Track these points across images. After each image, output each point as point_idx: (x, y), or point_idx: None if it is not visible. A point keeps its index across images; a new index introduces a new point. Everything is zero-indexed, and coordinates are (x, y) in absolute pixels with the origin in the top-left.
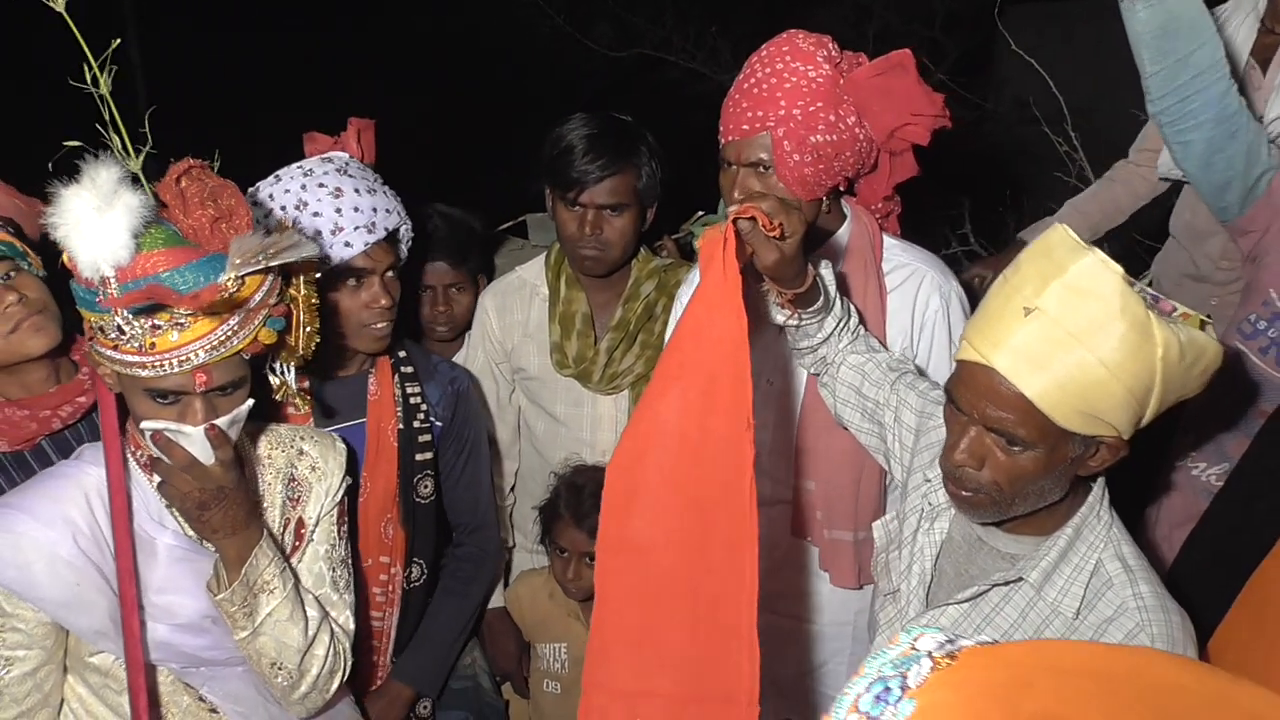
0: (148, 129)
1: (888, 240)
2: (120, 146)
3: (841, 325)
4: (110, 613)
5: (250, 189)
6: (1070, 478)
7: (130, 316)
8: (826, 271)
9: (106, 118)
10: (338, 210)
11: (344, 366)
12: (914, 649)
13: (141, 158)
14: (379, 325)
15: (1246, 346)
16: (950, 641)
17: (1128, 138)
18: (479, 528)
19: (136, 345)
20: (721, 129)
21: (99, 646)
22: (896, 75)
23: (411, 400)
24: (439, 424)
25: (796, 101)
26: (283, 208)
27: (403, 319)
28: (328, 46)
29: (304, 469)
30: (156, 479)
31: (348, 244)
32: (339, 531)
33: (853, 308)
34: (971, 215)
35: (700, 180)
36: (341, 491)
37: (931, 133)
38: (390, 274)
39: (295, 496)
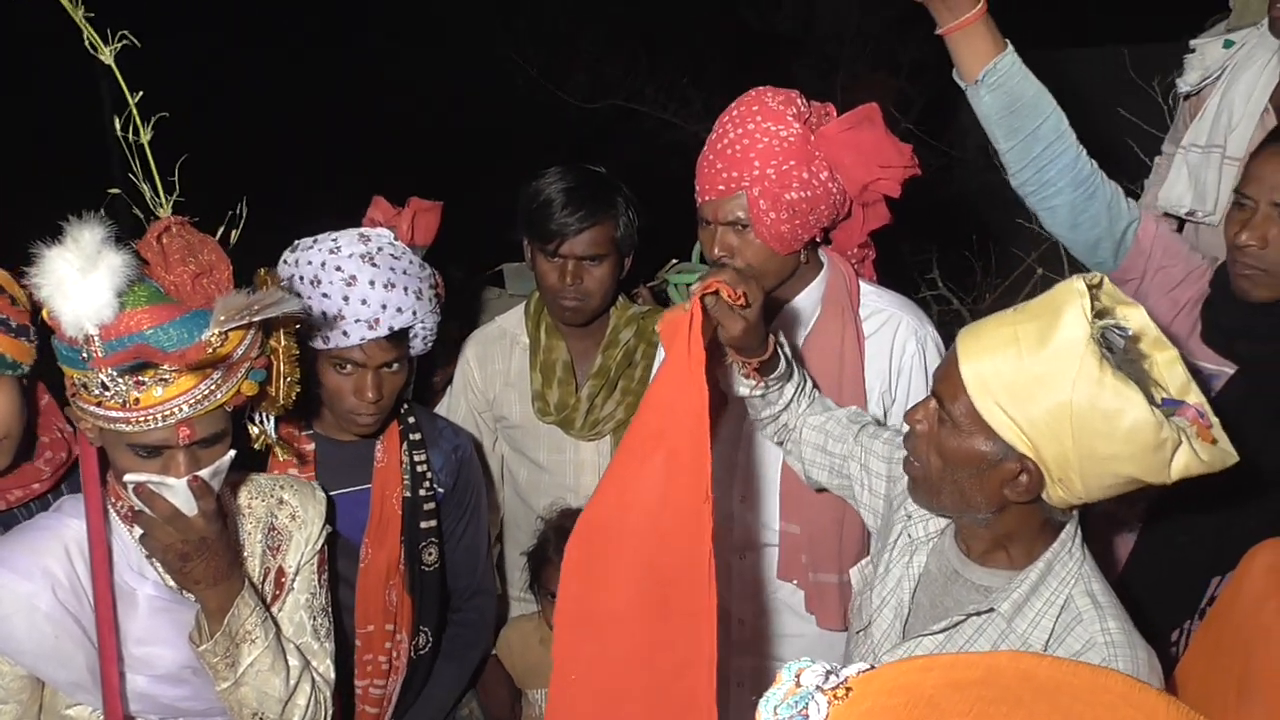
0: (176, 177)
1: (864, 287)
2: (151, 195)
3: (799, 390)
4: (89, 665)
5: (293, 244)
6: (996, 495)
7: (114, 374)
8: (784, 339)
9: (138, 168)
10: (345, 299)
11: (347, 431)
12: (799, 685)
13: (170, 203)
14: (362, 416)
15: None
16: (832, 673)
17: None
18: (477, 592)
19: (120, 401)
20: (698, 188)
21: (76, 699)
22: (865, 129)
23: (419, 468)
24: (441, 491)
25: (770, 161)
26: (301, 277)
27: (418, 381)
28: (305, 99)
29: (284, 518)
30: (138, 531)
31: (345, 333)
32: (320, 580)
33: (807, 374)
34: (939, 261)
35: (675, 228)
36: (321, 540)
37: (901, 183)
38: (387, 369)
39: (275, 545)
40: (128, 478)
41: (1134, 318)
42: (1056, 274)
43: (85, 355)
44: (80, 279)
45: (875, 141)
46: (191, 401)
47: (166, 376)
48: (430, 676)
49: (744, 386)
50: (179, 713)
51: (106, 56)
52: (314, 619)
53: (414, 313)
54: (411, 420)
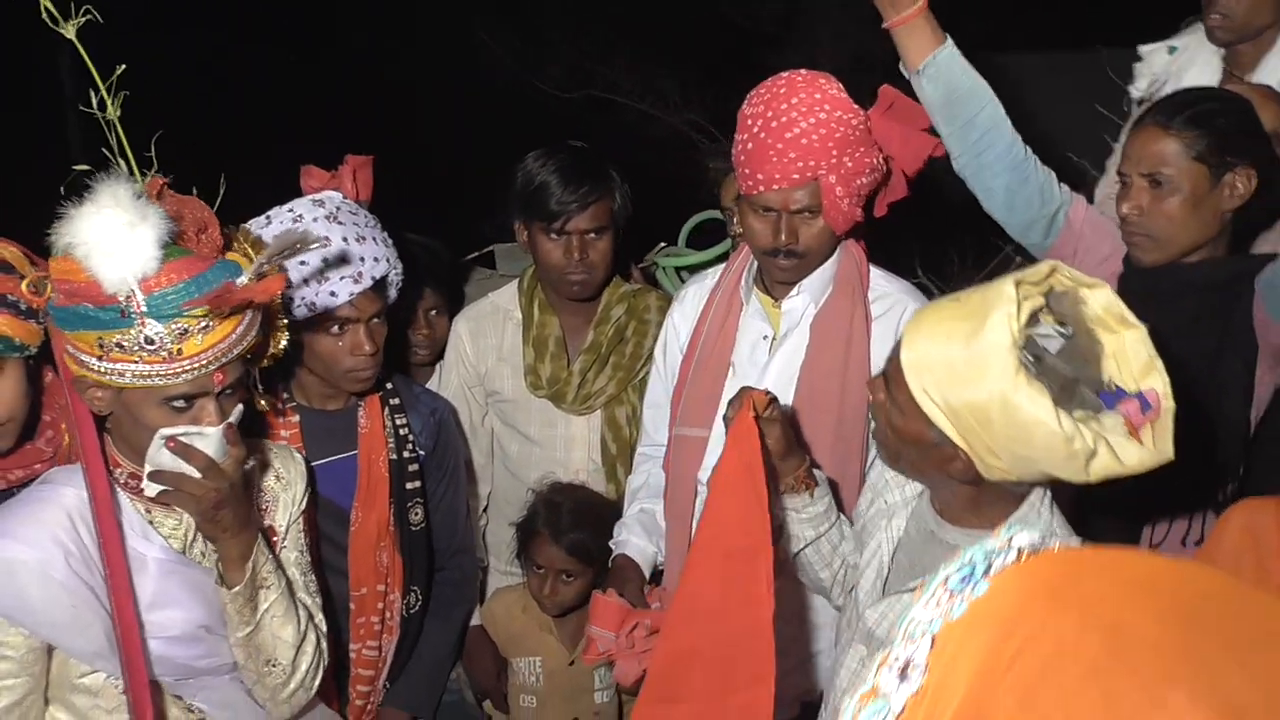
0: (153, 154)
1: (874, 271)
2: (128, 170)
3: (835, 524)
4: (106, 632)
5: (244, 226)
6: (942, 473)
7: (159, 325)
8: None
9: (114, 142)
10: (324, 260)
11: (333, 399)
12: (1009, 544)
13: (148, 177)
14: (363, 371)
15: None
16: (1043, 542)
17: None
18: (458, 551)
19: (165, 354)
20: (759, 178)
21: (95, 667)
22: (900, 108)
23: (401, 431)
24: (423, 453)
25: (845, 149)
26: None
27: (386, 349)
28: (280, 84)
29: (270, 479)
30: (152, 491)
31: (333, 293)
32: (306, 541)
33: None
34: (918, 251)
35: (654, 215)
36: (305, 499)
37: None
38: (375, 320)
39: (263, 506)
40: (164, 432)
41: (1096, 297)
42: (1032, 262)
43: (127, 311)
44: (128, 233)
45: (912, 112)
46: (226, 348)
47: (207, 324)
48: (418, 640)
49: (790, 506)
50: (194, 672)
51: (68, 31)
52: (305, 575)
53: (388, 260)
54: (390, 386)
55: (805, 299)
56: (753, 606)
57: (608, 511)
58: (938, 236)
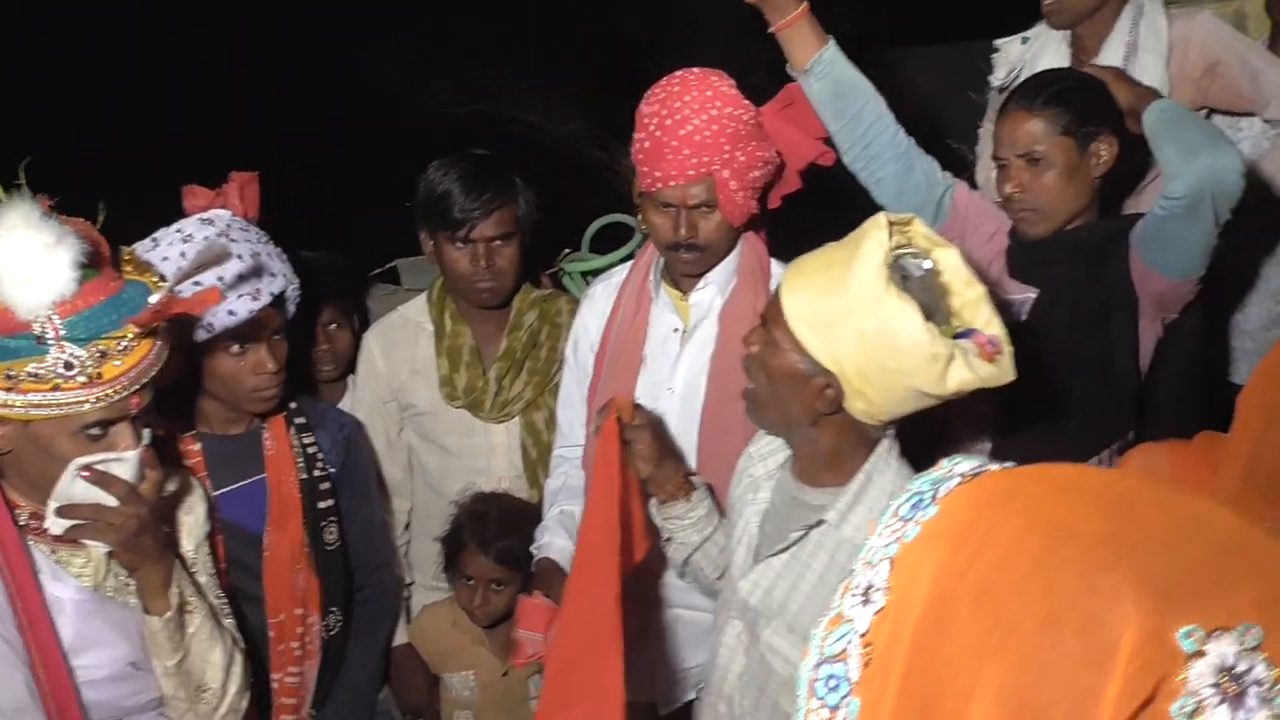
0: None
1: (774, 262)
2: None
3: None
4: (27, 684)
5: (126, 250)
6: (810, 409)
7: (79, 349)
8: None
9: None
10: (220, 279)
11: (235, 424)
12: (951, 472)
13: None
14: (266, 390)
15: None
16: (982, 466)
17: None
18: (378, 567)
19: (85, 378)
20: (656, 175)
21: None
22: (796, 106)
23: (309, 450)
24: (333, 470)
25: (738, 144)
26: (161, 276)
27: (290, 369)
28: (162, 101)
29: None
30: (58, 529)
31: (231, 312)
32: (212, 564)
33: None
34: (815, 229)
35: (555, 224)
36: (208, 523)
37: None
38: (276, 337)
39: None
40: (80, 461)
41: (946, 258)
42: None
43: (45, 337)
44: (45, 255)
45: (805, 116)
46: (145, 368)
47: (127, 346)
48: (341, 661)
49: (660, 517)
50: (123, 712)
51: None
52: (219, 598)
53: (284, 275)
54: (294, 405)
55: (712, 291)
56: (602, 615)
57: (533, 517)
58: (839, 231)
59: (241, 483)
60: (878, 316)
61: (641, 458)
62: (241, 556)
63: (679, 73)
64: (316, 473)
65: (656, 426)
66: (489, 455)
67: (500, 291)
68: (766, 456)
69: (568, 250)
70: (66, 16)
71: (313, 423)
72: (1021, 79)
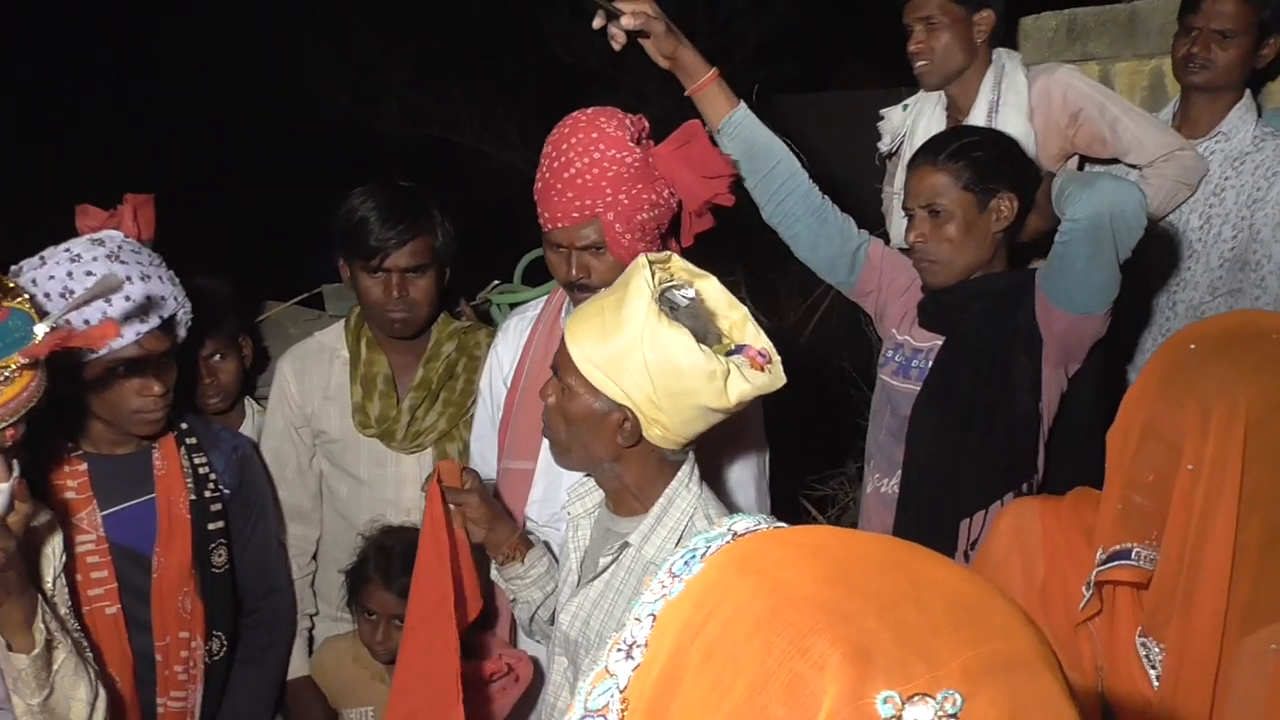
0: None
1: None
2: None
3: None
4: None
5: (14, 267)
6: (612, 444)
7: None
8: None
9: None
10: (108, 300)
11: (122, 444)
12: (729, 530)
13: None
14: (151, 413)
15: (884, 374)
16: (758, 526)
17: (873, 211)
18: (270, 592)
19: None
20: (546, 215)
21: None
22: (694, 145)
23: (200, 470)
24: (227, 491)
25: (620, 188)
26: (46, 294)
27: (177, 389)
28: (97, 118)
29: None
30: None
31: (119, 334)
32: (69, 596)
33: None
34: (746, 284)
35: (492, 251)
36: (65, 554)
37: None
38: (163, 359)
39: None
40: None
41: (707, 287)
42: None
43: None
44: None
45: (703, 155)
46: (25, 400)
47: (8, 377)
48: (231, 685)
49: (501, 579)
50: None
51: None
52: (78, 631)
53: (175, 299)
54: (184, 425)
55: None
56: (440, 678)
57: None
58: (765, 270)
59: (130, 503)
60: (655, 347)
61: (473, 521)
62: (130, 578)
63: (574, 114)
64: (208, 493)
65: (484, 492)
66: (399, 486)
67: (413, 322)
68: (584, 495)
69: (497, 281)
70: None
71: (205, 443)
72: (905, 143)
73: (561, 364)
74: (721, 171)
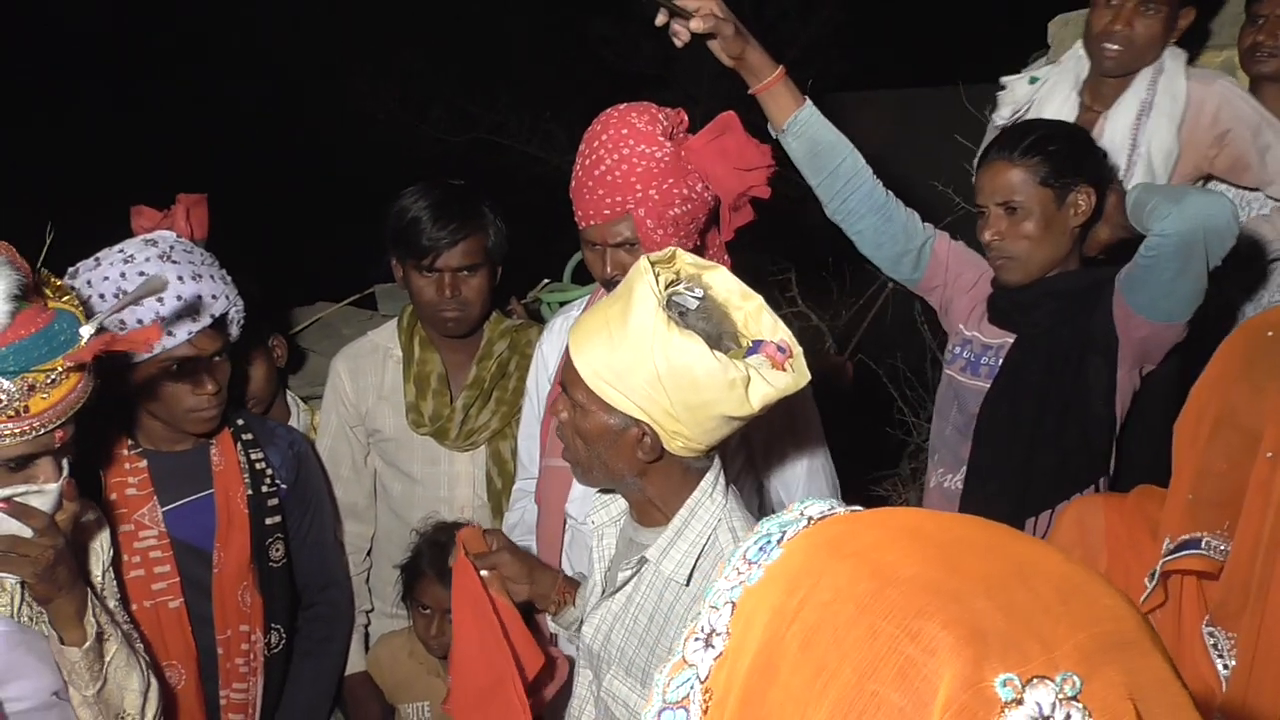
0: None
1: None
2: None
3: None
4: None
5: (70, 269)
6: (633, 460)
7: (7, 383)
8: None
9: None
10: (160, 300)
11: (180, 441)
12: (801, 514)
13: None
14: (205, 411)
15: (951, 370)
16: (831, 510)
17: (930, 210)
18: (327, 585)
19: (11, 413)
20: (579, 213)
21: None
22: (728, 136)
23: (257, 466)
24: (284, 487)
25: (650, 183)
26: (100, 295)
27: (232, 386)
28: (152, 128)
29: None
30: None
31: (171, 334)
32: (118, 589)
33: None
34: (799, 281)
35: (541, 254)
36: (112, 549)
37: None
38: (217, 359)
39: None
40: (5, 489)
41: (716, 279)
42: (902, 290)
43: None
44: None
45: (739, 147)
46: (73, 401)
47: (56, 379)
48: (291, 676)
49: (558, 627)
50: None
51: None
52: (128, 623)
53: (227, 297)
54: (240, 421)
55: None
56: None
57: None
58: (817, 268)
59: (190, 499)
60: (667, 358)
61: (511, 580)
62: (192, 573)
63: (607, 110)
64: (265, 489)
65: (514, 547)
66: (452, 484)
67: (465, 321)
68: (608, 504)
69: (547, 280)
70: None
71: (261, 439)
72: (1027, 118)
73: (570, 380)
74: (757, 163)
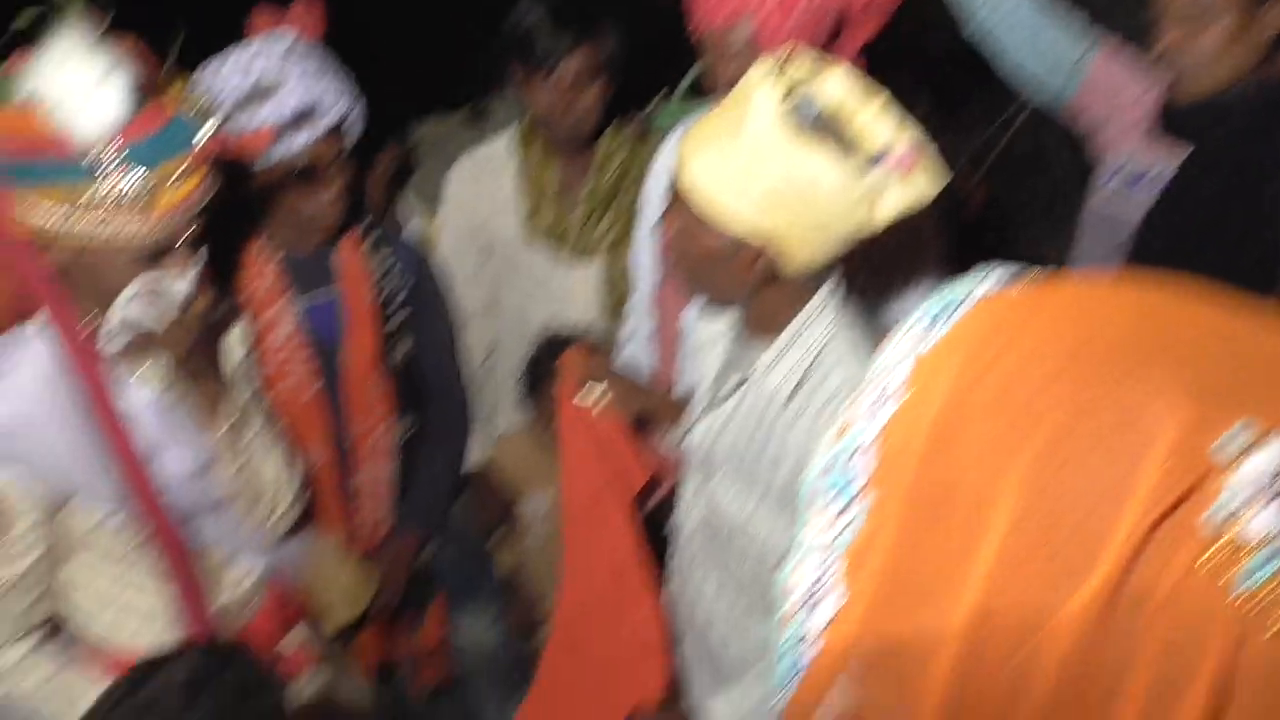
0: None
1: None
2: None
3: None
4: (114, 482)
5: (195, 72)
6: (745, 284)
7: (136, 178)
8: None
9: None
10: (278, 103)
11: (308, 243)
12: (982, 279)
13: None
14: (326, 218)
15: (1104, 195)
16: (1015, 275)
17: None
18: (447, 385)
19: (140, 206)
20: (697, 18)
21: (105, 516)
22: None
23: (380, 268)
24: (405, 290)
25: None
26: (220, 96)
27: (352, 192)
28: None
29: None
30: (118, 346)
31: (290, 139)
32: (256, 377)
33: None
34: (926, 101)
35: (660, 65)
36: (246, 342)
37: None
38: (336, 163)
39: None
40: (136, 284)
41: (836, 80)
42: (1039, 113)
43: (100, 164)
44: (104, 81)
45: None
46: (198, 198)
47: (183, 175)
48: (414, 469)
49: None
50: (194, 511)
51: None
52: (265, 414)
53: (345, 102)
54: (364, 225)
55: None
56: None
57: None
58: (950, 105)
59: (318, 299)
60: (788, 170)
61: (620, 400)
62: (323, 367)
63: None
64: (388, 290)
65: (622, 367)
66: (569, 294)
67: (582, 129)
68: (720, 314)
69: (667, 89)
70: None
71: (385, 240)
72: None
73: (680, 195)
74: None
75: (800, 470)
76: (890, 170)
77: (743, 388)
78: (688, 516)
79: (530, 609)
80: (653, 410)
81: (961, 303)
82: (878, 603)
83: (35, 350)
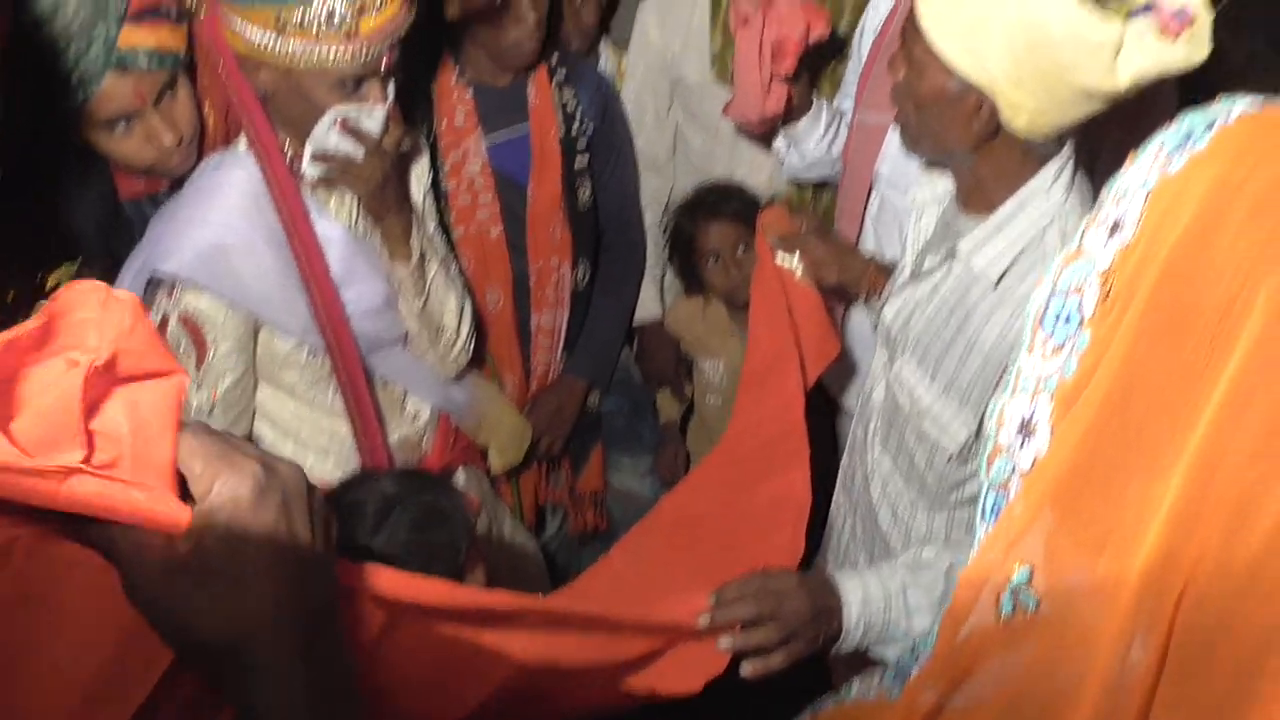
0: None
1: None
2: None
3: None
4: (308, 309)
5: None
6: (967, 132)
7: (340, 2)
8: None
9: None
10: None
11: (502, 75)
12: (1232, 105)
13: None
14: (525, 45)
15: None
16: (1266, 101)
17: None
18: (626, 230)
19: (344, 31)
20: None
21: (301, 342)
22: None
23: (568, 107)
24: (592, 128)
25: None
26: None
27: (548, 22)
28: None
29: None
30: (313, 173)
31: None
32: (437, 214)
33: None
34: None
35: None
36: (432, 173)
37: None
38: None
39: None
40: (336, 110)
41: None
42: None
43: None
44: None
45: None
46: (398, 25)
47: (381, 3)
48: (591, 312)
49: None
50: (379, 343)
51: None
52: (448, 249)
53: None
54: (555, 59)
55: None
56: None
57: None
58: None
59: (508, 134)
60: (1021, 6)
61: (818, 265)
62: (509, 203)
63: None
64: (574, 130)
65: (823, 228)
66: (754, 138)
67: None
68: (935, 180)
69: None
70: None
71: (573, 78)
72: None
73: (910, 31)
74: None
75: (987, 369)
76: (1150, 24)
77: (947, 264)
78: (874, 390)
79: (685, 465)
80: (853, 279)
81: (1207, 129)
82: (1082, 452)
83: (243, 172)
